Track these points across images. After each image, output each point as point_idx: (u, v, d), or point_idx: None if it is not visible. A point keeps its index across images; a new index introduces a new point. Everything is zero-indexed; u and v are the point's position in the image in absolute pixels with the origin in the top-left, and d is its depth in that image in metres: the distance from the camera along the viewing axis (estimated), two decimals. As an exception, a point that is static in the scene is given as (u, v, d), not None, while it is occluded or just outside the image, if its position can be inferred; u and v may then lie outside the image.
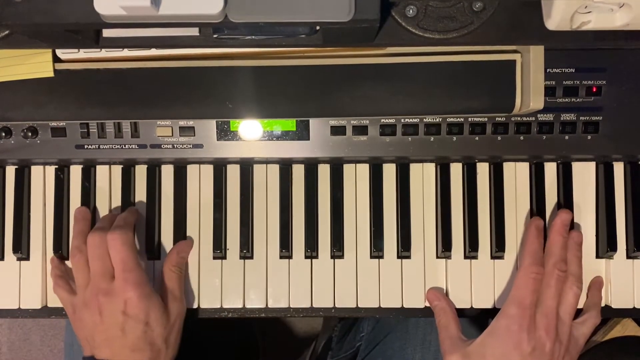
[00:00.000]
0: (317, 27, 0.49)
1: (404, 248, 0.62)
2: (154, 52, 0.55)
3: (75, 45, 0.53)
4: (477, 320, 0.66)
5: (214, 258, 0.63)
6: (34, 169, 0.64)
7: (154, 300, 0.57)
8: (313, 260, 0.63)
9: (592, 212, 0.63)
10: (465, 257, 0.63)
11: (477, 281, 0.63)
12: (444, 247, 0.63)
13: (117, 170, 0.64)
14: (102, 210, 0.64)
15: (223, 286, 0.63)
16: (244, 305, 0.63)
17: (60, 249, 0.63)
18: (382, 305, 0.63)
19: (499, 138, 0.60)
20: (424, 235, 0.63)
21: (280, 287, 0.63)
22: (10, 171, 0.64)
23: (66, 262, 0.64)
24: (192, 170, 0.64)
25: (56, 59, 0.56)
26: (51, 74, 0.56)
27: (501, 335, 0.56)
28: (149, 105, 0.57)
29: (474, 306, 0.63)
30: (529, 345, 0.55)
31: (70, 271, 0.62)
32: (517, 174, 0.63)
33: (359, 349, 0.79)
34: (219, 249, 0.63)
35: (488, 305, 0.63)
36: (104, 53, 0.55)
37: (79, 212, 0.63)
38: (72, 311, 0.59)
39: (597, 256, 0.63)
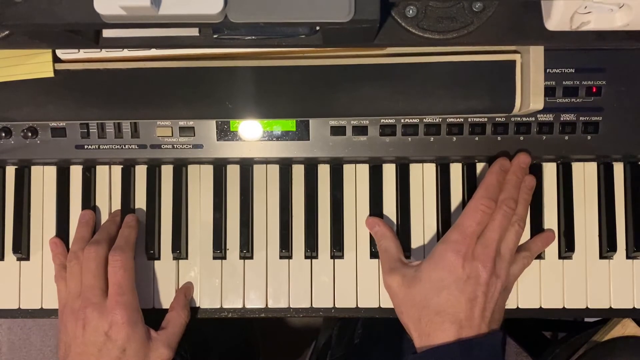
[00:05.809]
0: (317, 28, 0.49)
1: (404, 248, 0.62)
2: (153, 52, 0.55)
3: (75, 45, 0.53)
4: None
5: (214, 258, 0.63)
6: (34, 169, 0.64)
7: (138, 330, 0.56)
8: (313, 260, 0.63)
9: (594, 213, 0.63)
10: (465, 257, 0.63)
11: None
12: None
13: (117, 170, 0.64)
14: (102, 210, 0.64)
15: (223, 286, 0.63)
16: (244, 305, 0.63)
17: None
18: (381, 306, 0.62)
19: (499, 138, 0.60)
20: (424, 236, 0.63)
21: (280, 287, 0.63)
22: (10, 171, 0.64)
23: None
24: (192, 170, 0.64)
25: (56, 59, 0.56)
26: (51, 74, 0.56)
27: (438, 259, 0.56)
28: (149, 106, 0.57)
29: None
30: (464, 272, 0.54)
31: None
32: (517, 174, 0.63)
33: (357, 346, 0.79)
34: (219, 249, 0.63)
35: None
36: (104, 53, 0.55)
37: (82, 216, 0.63)
38: (62, 311, 0.59)
39: (601, 256, 0.63)
